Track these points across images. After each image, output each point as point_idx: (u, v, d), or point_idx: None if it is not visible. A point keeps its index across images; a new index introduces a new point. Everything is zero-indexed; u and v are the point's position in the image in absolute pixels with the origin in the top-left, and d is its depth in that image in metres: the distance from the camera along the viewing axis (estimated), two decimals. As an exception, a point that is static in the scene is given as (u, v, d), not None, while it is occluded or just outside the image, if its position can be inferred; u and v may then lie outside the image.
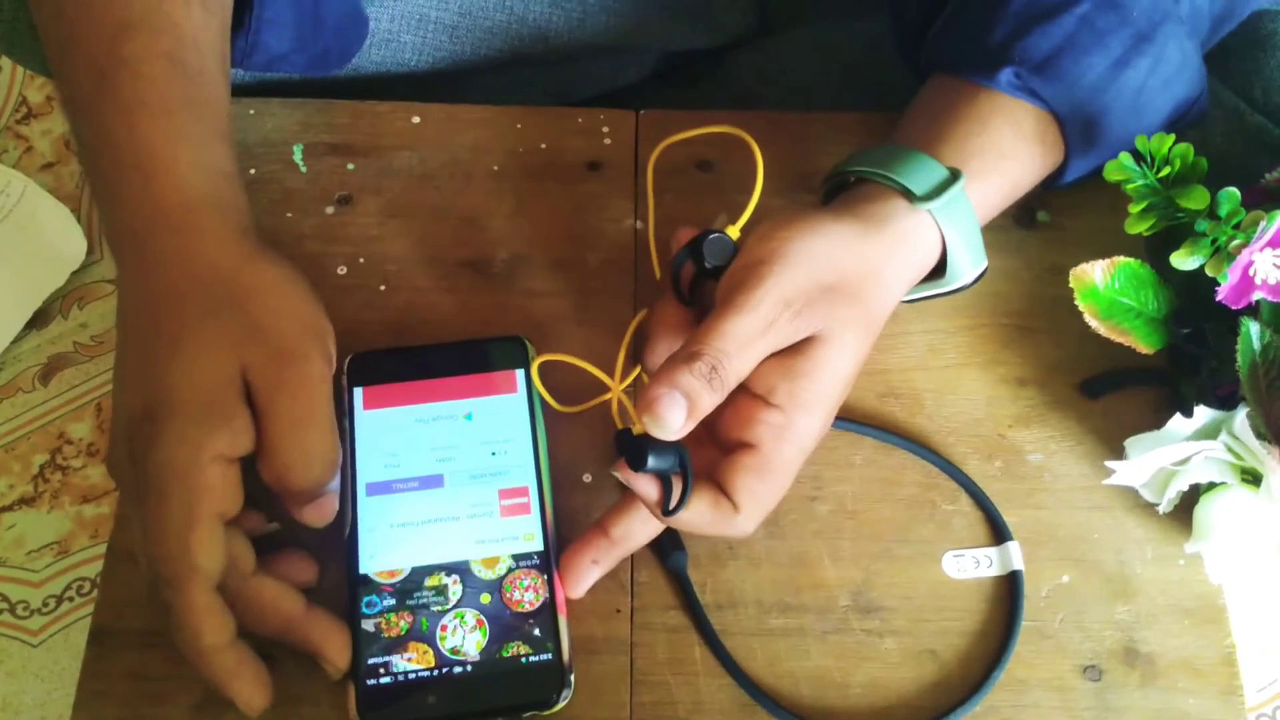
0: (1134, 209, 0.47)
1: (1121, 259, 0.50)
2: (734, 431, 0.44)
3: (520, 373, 0.52)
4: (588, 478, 0.51)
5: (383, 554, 0.48)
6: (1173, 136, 0.46)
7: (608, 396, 0.52)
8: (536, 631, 0.46)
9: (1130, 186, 0.47)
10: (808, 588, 0.50)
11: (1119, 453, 0.51)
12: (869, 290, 0.45)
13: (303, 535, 0.48)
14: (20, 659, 0.64)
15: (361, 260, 0.56)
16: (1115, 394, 0.54)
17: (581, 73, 0.70)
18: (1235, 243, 0.45)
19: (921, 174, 0.47)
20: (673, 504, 0.42)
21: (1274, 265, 0.45)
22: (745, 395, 0.44)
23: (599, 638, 0.48)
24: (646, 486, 0.42)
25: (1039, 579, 0.50)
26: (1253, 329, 0.46)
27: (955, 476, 0.52)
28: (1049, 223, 0.58)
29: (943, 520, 0.51)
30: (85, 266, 0.77)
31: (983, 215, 0.49)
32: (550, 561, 0.48)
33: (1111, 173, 0.47)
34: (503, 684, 0.45)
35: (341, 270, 0.56)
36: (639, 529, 0.47)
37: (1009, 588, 0.50)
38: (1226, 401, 0.49)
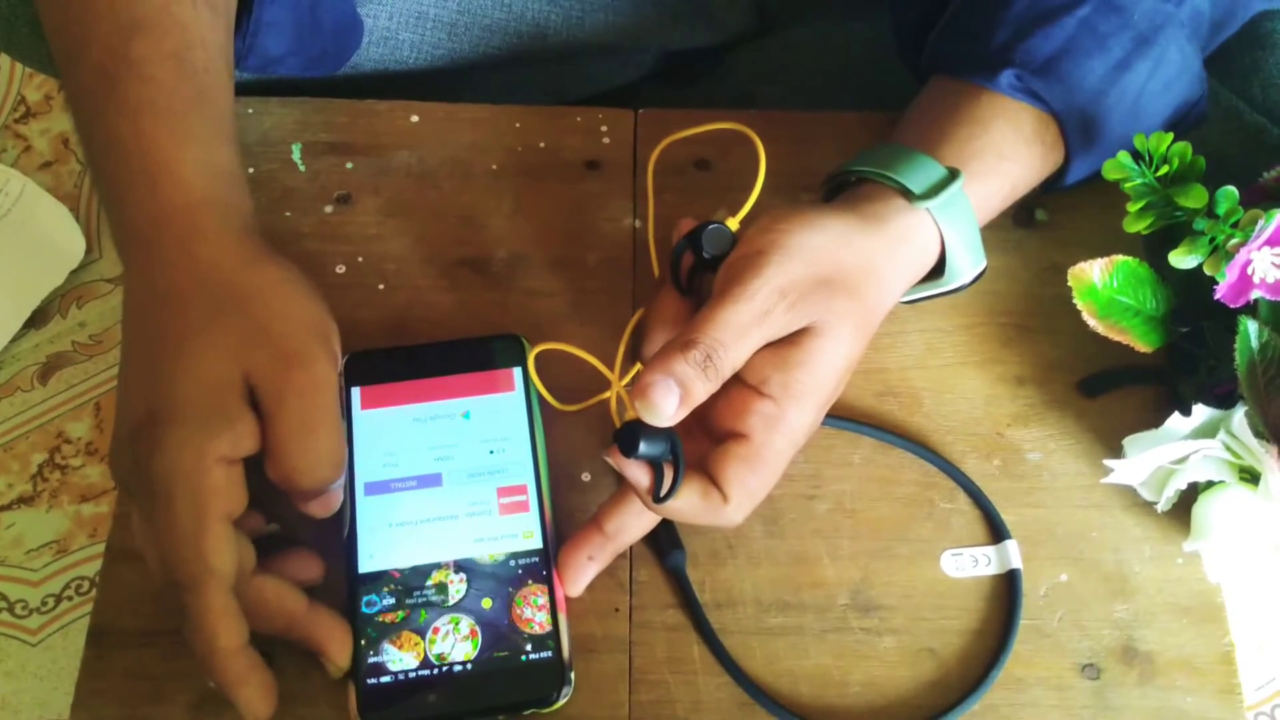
0: (1132, 207, 0.47)
1: (1120, 258, 0.50)
2: (726, 422, 0.44)
3: (518, 371, 0.52)
4: (586, 476, 0.52)
5: (382, 553, 0.48)
6: (1170, 135, 0.46)
7: (606, 395, 0.52)
8: (536, 629, 0.46)
9: (1128, 185, 0.47)
10: (806, 586, 0.50)
11: (1117, 451, 0.51)
12: (867, 286, 0.45)
13: (302, 536, 0.48)
14: (19, 658, 0.64)
15: (360, 259, 0.56)
16: (1113, 393, 0.54)
17: (580, 71, 0.70)
18: (1233, 241, 0.45)
19: (921, 173, 0.47)
20: (664, 491, 0.42)
21: (1272, 264, 0.45)
22: (738, 386, 0.44)
23: (598, 636, 0.48)
24: (638, 473, 0.42)
25: (1037, 578, 0.50)
26: (1251, 328, 0.46)
27: (953, 475, 0.52)
28: (1047, 221, 0.58)
29: (941, 519, 0.51)
30: (84, 265, 0.77)
31: (982, 216, 0.49)
32: (549, 559, 0.48)
33: (1110, 171, 0.47)
34: (503, 682, 0.45)
35: (340, 269, 0.56)
36: (633, 523, 0.47)
37: (1007, 586, 0.50)
38: (1225, 400, 0.49)
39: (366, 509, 0.49)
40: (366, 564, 0.47)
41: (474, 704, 0.45)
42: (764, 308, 0.42)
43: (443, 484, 0.49)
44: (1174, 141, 0.46)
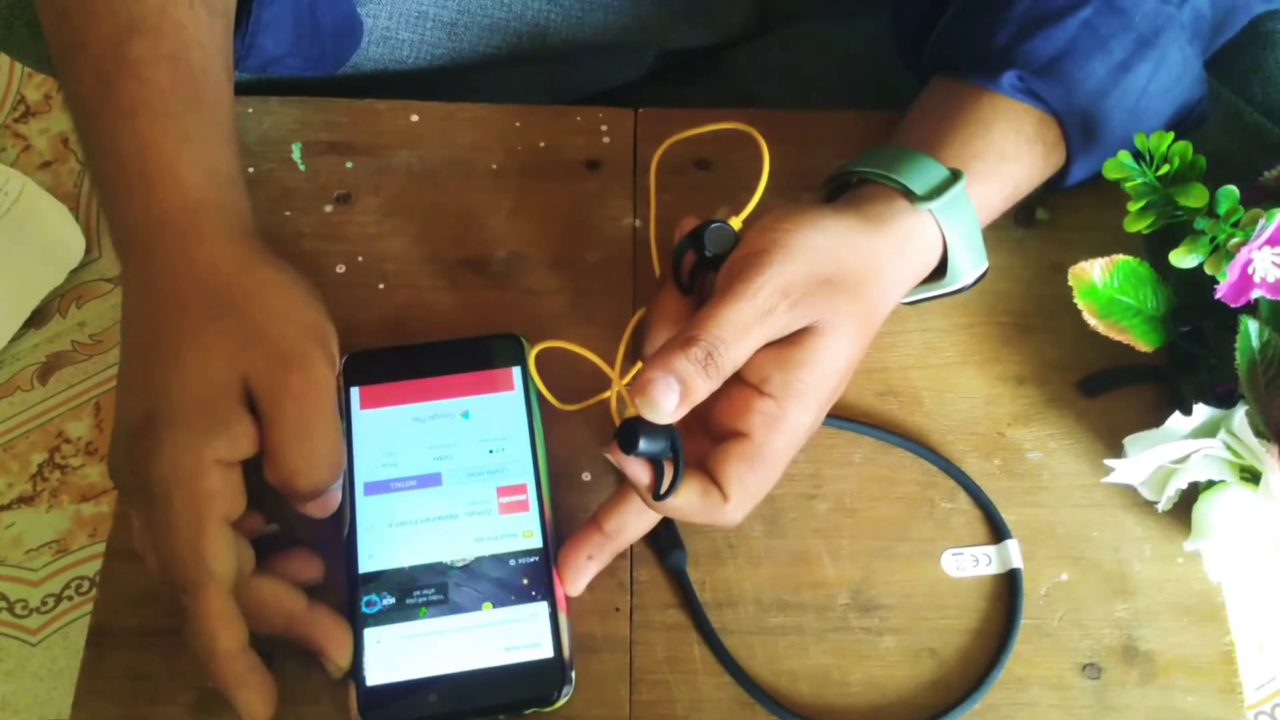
0: (1133, 207, 0.47)
1: (1120, 257, 0.50)
2: (727, 420, 0.44)
3: (517, 370, 0.52)
4: (587, 476, 0.51)
5: (382, 553, 0.48)
6: (1171, 135, 0.46)
7: (607, 395, 0.52)
8: (537, 629, 0.46)
9: (1129, 185, 0.47)
10: (807, 586, 0.50)
11: (1118, 451, 0.51)
12: (868, 286, 0.45)
13: (302, 536, 0.48)
14: (19, 658, 0.64)
15: (360, 259, 0.56)
16: (1114, 392, 0.54)
17: (580, 71, 0.70)
18: (1234, 241, 0.45)
19: (922, 174, 0.47)
20: (664, 489, 0.42)
21: (1273, 263, 0.45)
22: (739, 385, 0.44)
23: (598, 636, 0.48)
24: (638, 470, 0.42)
25: (1038, 577, 0.50)
26: (1251, 327, 0.46)
27: (954, 475, 0.52)
28: (1048, 221, 0.58)
29: (941, 518, 0.51)
30: (84, 265, 0.77)
31: (984, 217, 0.49)
32: (550, 558, 0.48)
33: (1110, 171, 0.47)
34: (503, 681, 0.45)
35: (340, 269, 0.56)
36: (633, 521, 0.47)
37: (1008, 586, 0.50)
38: (1225, 399, 0.49)
39: (366, 509, 0.49)
40: (366, 564, 0.47)
41: (474, 704, 0.45)
42: (766, 306, 0.42)
43: (442, 484, 0.49)
44: (1174, 141, 0.46)
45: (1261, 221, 0.44)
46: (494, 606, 0.47)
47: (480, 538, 0.48)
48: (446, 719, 0.45)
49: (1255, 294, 0.45)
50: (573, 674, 0.46)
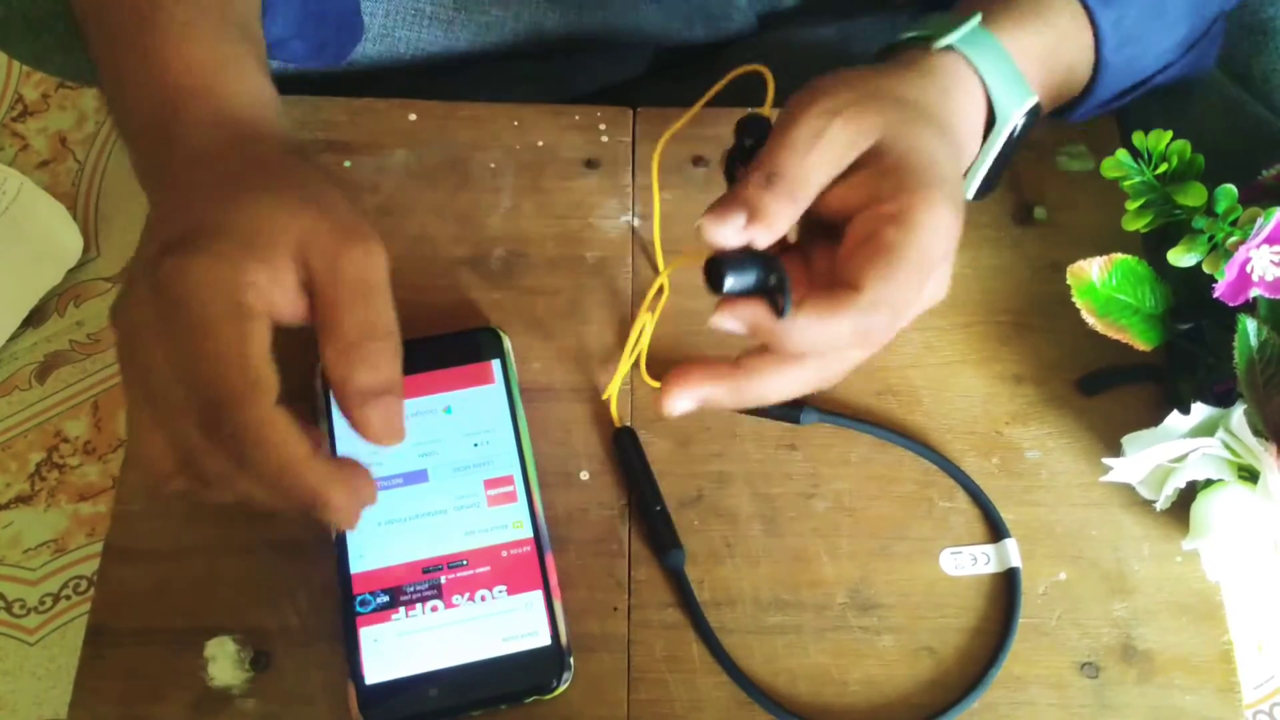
0: (1131, 205, 0.47)
1: (1119, 256, 0.50)
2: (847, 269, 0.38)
3: (496, 363, 0.52)
4: (585, 475, 0.51)
5: (372, 552, 0.48)
6: (1170, 134, 0.46)
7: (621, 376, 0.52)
8: (533, 618, 0.46)
9: (1127, 184, 0.47)
10: (805, 585, 0.50)
11: (1116, 450, 0.51)
12: (925, 111, 0.42)
13: (298, 538, 0.48)
14: (17, 657, 0.64)
15: (358, 258, 0.56)
16: (1112, 391, 0.54)
17: (578, 69, 0.70)
18: (1233, 239, 0.45)
19: (933, 24, 0.46)
20: (780, 306, 0.37)
21: (1271, 262, 0.45)
22: (847, 242, 0.39)
23: (596, 635, 0.48)
24: (744, 310, 0.37)
25: (1036, 576, 0.50)
26: (1250, 326, 0.46)
27: (952, 474, 0.52)
28: (1046, 220, 0.58)
29: (940, 517, 0.51)
30: (82, 264, 0.76)
31: (1025, 65, 0.47)
32: (541, 547, 0.48)
33: (1109, 169, 0.47)
34: (502, 672, 0.46)
35: (338, 268, 0.56)
36: (769, 375, 0.39)
37: (1006, 585, 0.50)
38: (1224, 398, 0.49)
39: None
40: (358, 564, 0.47)
41: (474, 696, 0.45)
42: (816, 127, 0.39)
43: (429, 480, 0.49)
44: (1174, 139, 0.46)
45: (1260, 220, 0.44)
46: (488, 598, 0.47)
47: (470, 531, 0.48)
48: (448, 712, 0.45)
49: (1253, 293, 0.45)
50: (571, 660, 0.46)
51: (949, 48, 0.46)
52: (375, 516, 0.48)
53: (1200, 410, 0.48)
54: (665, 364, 0.53)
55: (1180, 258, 0.46)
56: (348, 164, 0.58)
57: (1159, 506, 0.49)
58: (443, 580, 0.47)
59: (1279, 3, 0.58)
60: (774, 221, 0.38)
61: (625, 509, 0.51)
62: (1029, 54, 0.48)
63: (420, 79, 0.65)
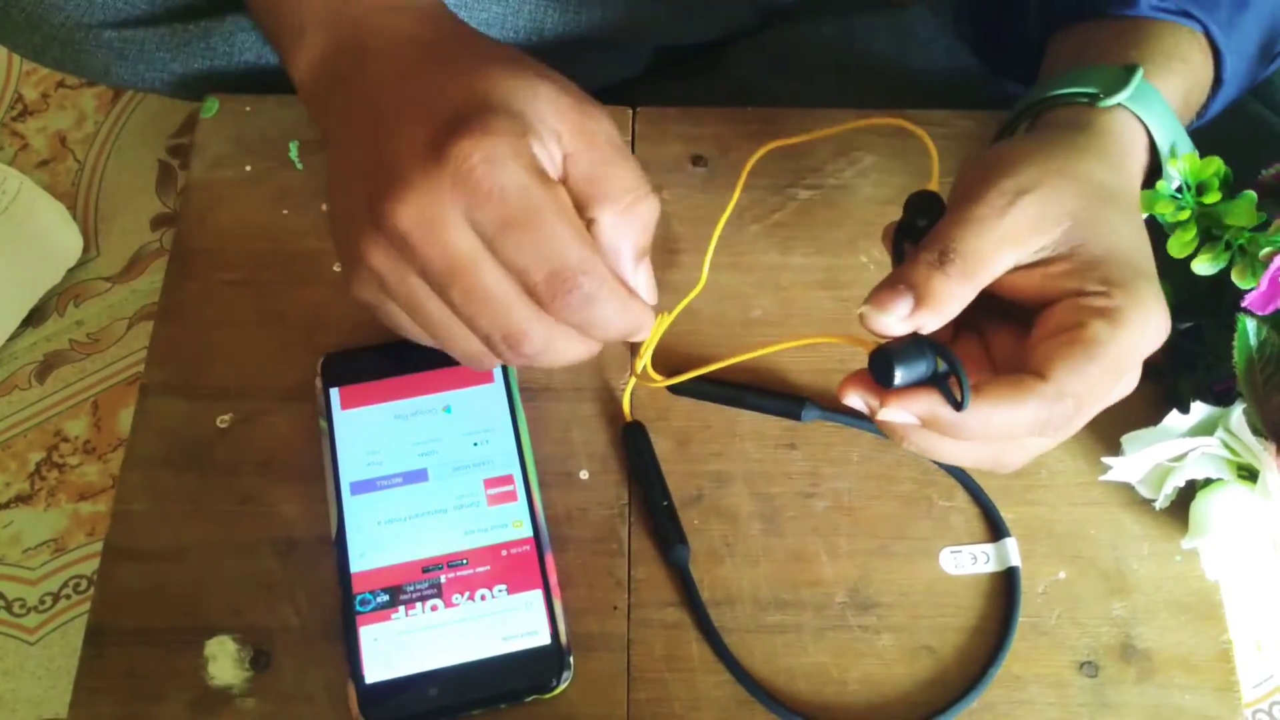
0: (1185, 237, 0.45)
1: (1118, 255, 0.50)
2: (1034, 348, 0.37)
3: None
4: (585, 474, 0.51)
5: (372, 552, 0.48)
6: (1217, 161, 0.45)
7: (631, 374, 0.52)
8: (533, 617, 0.46)
9: (1173, 219, 0.45)
10: (805, 584, 0.50)
11: (1115, 449, 0.51)
12: (1115, 194, 0.40)
13: (298, 537, 0.48)
14: (17, 657, 0.64)
15: (358, 257, 0.56)
16: (1112, 390, 0.54)
17: (577, 67, 0.69)
18: (1266, 250, 0.44)
19: (1093, 79, 0.44)
20: (957, 395, 0.35)
21: None
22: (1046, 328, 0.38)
23: (596, 634, 0.48)
24: (916, 404, 0.36)
25: (1036, 575, 0.50)
26: (1249, 325, 0.46)
27: (952, 473, 0.52)
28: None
29: (940, 516, 0.51)
30: (81, 264, 0.76)
31: (1176, 108, 0.45)
32: (541, 546, 0.48)
33: (1157, 207, 0.45)
34: (502, 671, 0.46)
35: (338, 267, 0.56)
36: (941, 439, 0.38)
37: (1006, 584, 0.50)
38: (1223, 398, 0.49)
39: (354, 509, 0.49)
40: (358, 563, 0.47)
41: (474, 695, 0.45)
42: (997, 204, 0.37)
43: (429, 479, 0.49)
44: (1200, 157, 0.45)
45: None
46: (488, 598, 0.47)
47: (470, 530, 0.48)
48: (447, 712, 0.45)
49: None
50: (571, 659, 0.46)
51: (1118, 105, 0.43)
52: (375, 516, 0.48)
53: (1199, 409, 0.48)
54: (665, 362, 0.53)
55: (1204, 266, 0.46)
56: (347, 163, 0.58)
57: (1158, 505, 0.50)
58: (443, 579, 0.47)
59: None
60: (944, 306, 0.36)
61: (625, 508, 0.51)
62: (1176, 98, 0.46)
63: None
